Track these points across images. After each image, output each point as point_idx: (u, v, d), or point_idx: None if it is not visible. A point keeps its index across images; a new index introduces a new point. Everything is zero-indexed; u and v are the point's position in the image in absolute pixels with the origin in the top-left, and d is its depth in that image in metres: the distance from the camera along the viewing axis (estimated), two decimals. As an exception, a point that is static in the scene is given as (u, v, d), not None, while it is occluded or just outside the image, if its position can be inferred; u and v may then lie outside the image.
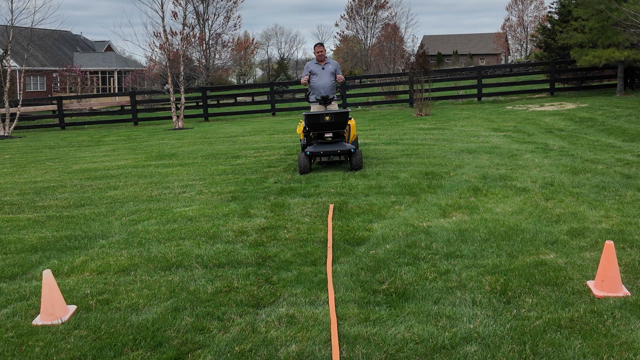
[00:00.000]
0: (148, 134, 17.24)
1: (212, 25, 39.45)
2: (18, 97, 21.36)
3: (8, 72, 20.33)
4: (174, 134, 16.64)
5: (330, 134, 8.17)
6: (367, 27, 47.89)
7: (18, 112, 20.54)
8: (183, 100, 19.50)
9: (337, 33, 52.00)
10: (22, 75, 21.68)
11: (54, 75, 41.06)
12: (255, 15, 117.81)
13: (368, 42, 47.79)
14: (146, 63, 43.10)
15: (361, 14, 47.82)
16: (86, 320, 3.75)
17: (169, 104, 20.75)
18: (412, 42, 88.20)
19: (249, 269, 4.53)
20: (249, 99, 28.39)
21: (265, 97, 24.29)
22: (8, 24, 20.19)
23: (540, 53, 25.99)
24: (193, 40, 37.01)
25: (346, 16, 49.11)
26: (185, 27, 21.99)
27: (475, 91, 20.36)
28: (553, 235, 4.93)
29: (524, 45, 66.82)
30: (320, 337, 3.38)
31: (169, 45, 20.67)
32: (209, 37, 39.03)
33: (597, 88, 20.13)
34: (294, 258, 4.71)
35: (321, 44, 8.90)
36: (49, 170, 10.47)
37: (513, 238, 4.89)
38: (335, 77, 8.73)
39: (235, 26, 46.57)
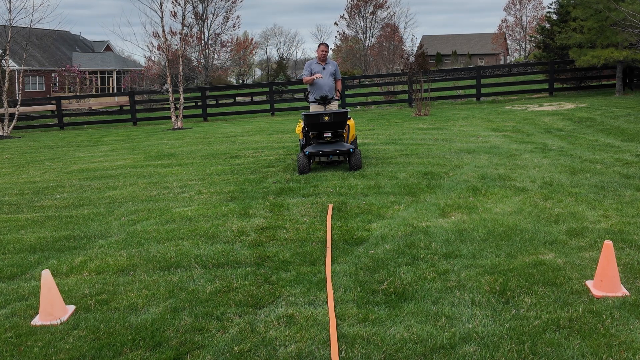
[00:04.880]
0: (147, 134, 17.23)
1: (210, 25, 39.46)
2: (17, 97, 21.33)
3: (7, 72, 20.31)
4: (173, 134, 16.63)
5: (330, 134, 8.17)
6: (367, 26, 47.89)
7: (17, 112, 20.52)
8: (182, 100, 19.49)
9: (338, 32, 52.03)
10: (21, 75, 21.59)
11: (53, 75, 41.02)
12: (255, 15, 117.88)
13: (367, 42, 47.79)
14: (145, 63, 43.10)
15: (360, 13, 47.82)
16: (85, 320, 3.75)
17: (168, 104, 20.75)
18: (411, 42, 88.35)
19: (248, 269, 4.53)
20: (248, 99, 28.37)
21: (264, 97, 24.28)
22: (6, 24, 20.17)
23: (539, 53, 26.00)
24: (191, 40, 36.97)
25: (345, 16, 49.13)
26: (184, 27, 21.98)
27: (474, 91, 20.36)
28: (552, 235, 4.93)
29: (523, 45, 66.90)
30: (320, 337, 3.38)
31: (167, 45, 20.65)
32: (208, 37, 39.02)
33: (596, 88, 20.15)
34: (293, 258, 4.71)
35: (326, 44, 8.92)
36: (47, 170, 10.46)
37: (512, 238, 4.89)
38: (335, 80, 8.75)
39: (234, 26, 46.57)
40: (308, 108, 8.85)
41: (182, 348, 3.34)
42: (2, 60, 20.97)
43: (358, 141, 10.64)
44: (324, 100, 8.33)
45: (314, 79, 8.56)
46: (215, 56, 40.45)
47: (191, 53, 37.90)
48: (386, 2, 47.69)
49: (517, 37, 68.33)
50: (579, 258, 4.39)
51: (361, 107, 21.16)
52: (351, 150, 7.96)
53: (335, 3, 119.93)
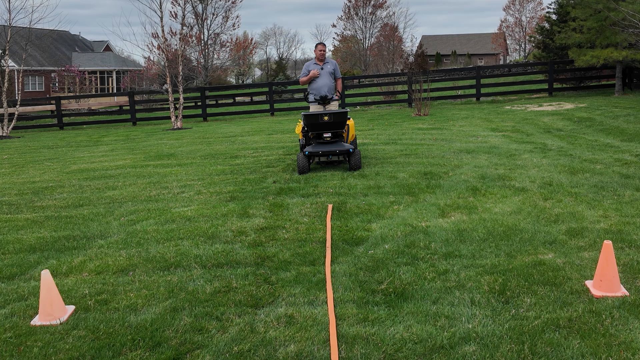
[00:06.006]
0: (146, 134, 17.22)
1: (210, 25, 39.44)
2: (16, 97, 21.33)
3: (6, 72, 20.30)
4: (172, 134, 16.63)
5: (329, 134, 8.17)
6: (366, 27, 47.87)
7: (16, 112, 20.52)
8: (182, 100, 19.49)
9: (336, 34, 52.05)
10: (21, 75, 21.57)
11: (52, 75, 40.99)
12: (255, 15, 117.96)
13: (367, 42, 47.77)
14: (144, 63, 43.08)
15: (359, 14, 47.80)
16: (85, 320, 3.75)
17: (168, 104, 20.75)
18: (410, 42, 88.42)
19: (247, 269, 4.53)
20: (247, 99, 28.36)
21: (264, 97, 24.27)
22: (6, 24, 20.17)
23: (539, 53, 26.01)
24: (190, 40, 36.95)
25: (344, 17, 49.09)
26: (184, 27, 21.98)
27: (473, 91, 20.36)
28: (551, 235, 4.93)
29: (523, 45, 66.92)
30: (319, 337, 3.38)
31: (167, 45, 20.65)
32: (208, 37, 39.01)
33: (596, 88, 20.16)
34: (292, 258, 4.71)
35: (323, 44, 8.93)
36: (47, 170, 10.45)
37: (511, 238, 4.90)
38: (335, 79, 8.78)
39: (234, 26, 46.46)
40: (308, 108, 8.86)
41: (182, 348, 3.34)
42: (2, 60, 20.96)
43: (358, 141, 10.64)
44: (324, 100, 8.34)
45: (310, 77, 8.59)
46: (215, 56, 40.44)
47: (191, 53, 37.88)
48: (385, 2, 47.67)
49: (517, 37, 68.37)
50: (578, 258, 4.40)
51: (361, 107, 21.16)
52: (351, 150, 7.96)
53: (335, 3, 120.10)
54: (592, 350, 3.09)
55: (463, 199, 6.26)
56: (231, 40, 44.43)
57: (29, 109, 24.44)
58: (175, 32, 23.76)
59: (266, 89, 23.96)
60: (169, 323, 3.65)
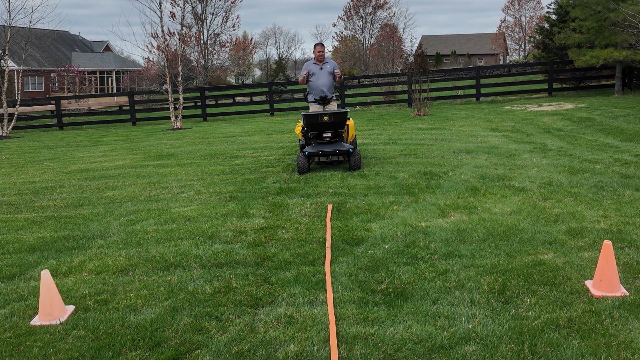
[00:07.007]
0: (146, 134, 17.22)
1: (210, 26, 39.43)
2: (16, 97, 21.32)
3: (6, 72, 20.29)
4: (172, 134, 16.63)
5: (329, 134, 8.17)
6: (366, 27, 47.85)
7: (16, 112, 20.52)
8: (181, 100, 19.49)
9: (335, 33, 52.04)
10: (20, 75, 21.56)
11: (52, 75, 40.98)
12: (255, 15, 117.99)
13: (366, 42, 47.76)
14: (144, 63, 43.06)
15: (360, 14, 47.78)
16: (84, 320, 3.75)
17: (167, 104, 20.75)
18: (410, 42, 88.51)
19: (247, 269, 4.53)
20: (247, 99, 28.36)
21: (263, 97, 24.26)
22: (6, 24, 20.16)
23: (539, 53, 26.01)
24: (189, 40, 36.91)
25: (344, 17, 49.07)
26: (184, 28, 21.98)
27: (473, 91, 20.36)
28: (551, 235, 4.93)
29: (522, 45, 66.96)
30: (319, 337, 3.38)
31: (166, 45, 20.65)
32: (207, 37, 39.00)
33: (595, 88, 20.16)
34: (292, 258, 4.71)
35: (322, 44, 8.92)
36: (47, 170, 10.45)
37: (511, 238, 4.90)
38: (335, 77, 8.75)
39: (233, 26, 46.37)
40: (307, 108, 8.86)
41: (182, 348, 3.34)
42: (2, 61, 20.95)
43: (357, 141, 10.65)
44: (323, 100, 8.34)
45: (304, 76, 8.60)
46: (215, 56, 40.41)
47: (190, 53, 37.86)
48: (386, 2, 47.64)
49: (517, 37, 68.42)
50: (578, 258, 4.40)
51: (360, 107, 21.16)
52: (351, 150, 7.96)
53: (335, 3, 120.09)
54: (592, 350, 3.09)
55: (463, 199, 6.26)
56: (231, 40, 44.41)
57: (28, 109, 24.44)
58: (174, 33, 23.74)
59: (266, 89, 23.96)
60: (168, 323, 3.65)
